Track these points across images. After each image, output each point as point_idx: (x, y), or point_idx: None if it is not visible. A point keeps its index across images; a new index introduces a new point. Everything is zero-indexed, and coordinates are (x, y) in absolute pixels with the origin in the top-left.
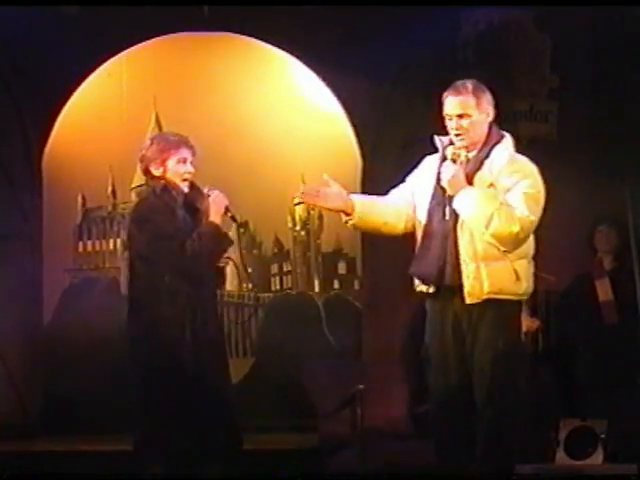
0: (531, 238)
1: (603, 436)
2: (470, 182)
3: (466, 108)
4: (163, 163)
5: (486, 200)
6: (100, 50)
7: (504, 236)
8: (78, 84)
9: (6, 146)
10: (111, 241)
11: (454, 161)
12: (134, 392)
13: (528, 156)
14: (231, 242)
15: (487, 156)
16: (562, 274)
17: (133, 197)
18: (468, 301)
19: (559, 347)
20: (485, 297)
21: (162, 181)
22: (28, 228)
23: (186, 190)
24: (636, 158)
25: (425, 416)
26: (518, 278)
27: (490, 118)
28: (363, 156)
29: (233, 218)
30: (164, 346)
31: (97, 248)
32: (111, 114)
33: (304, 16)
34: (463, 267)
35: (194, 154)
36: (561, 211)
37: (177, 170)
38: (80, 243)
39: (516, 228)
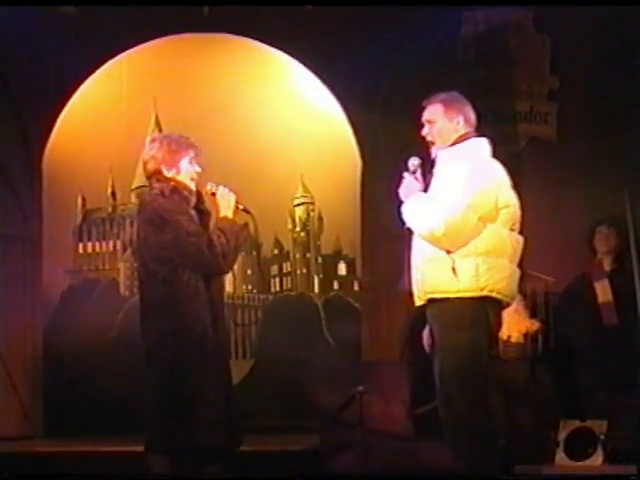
0: (485, 236)
1: (603, 437)
2: (426, 190)
3: (432, 114)
4: (176, 164)
5: (418, 205)
6: (100, 51)
7: (430, 237)
8: (78, 85)
9: (6, 146)
10: (111, 242)
11: (414, 172)
12: (151, 390)
13: (528, 157)
14: (249, 234)
15: (434, 163)
16: (562, 275)
17: (133, 198)
18: (417, 303)
19: (559, 348)
20: (425, 298)
21: (171, 183)
22: (28, 228)
23: (194, 189)
24: (636, 159)
25: (425, 416)
26: (456, 276)
27: (460, 126)
28: (362, 157)
29: (246, 210)
30: (192, 344)
31: (97, 249)
32: (111, 115)
33: (304, 16)
34: (413, 271)
35: (199, 154)
36: (561, 212)
37: (188, 170)
38: (80, 244)
39: (439, 229)
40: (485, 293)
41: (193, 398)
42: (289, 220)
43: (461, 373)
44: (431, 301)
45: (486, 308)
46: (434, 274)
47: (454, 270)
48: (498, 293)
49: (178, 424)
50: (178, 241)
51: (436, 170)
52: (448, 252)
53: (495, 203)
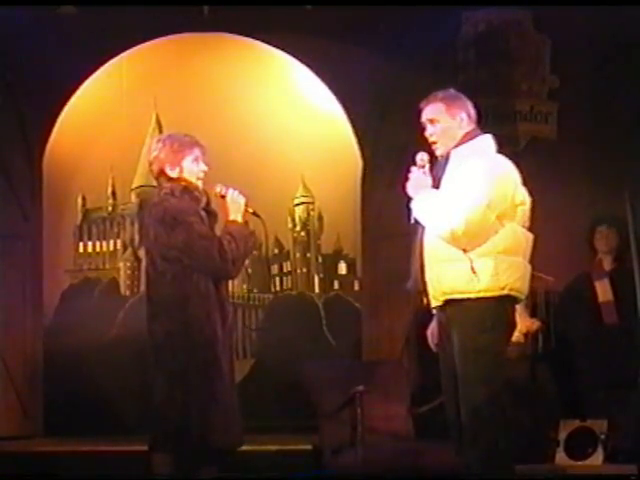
0: (502, 235)
1: (603, 437)
2: (437, 186)
3: (435, 113)
4: (179, 163)
5: (434, 201)
6: (100, 51)
7: (449, 235)
8: (78, 85)
9: (6, 146)
10: (111, 242)
11: (422, 167)
12: (159, 391)
13: (528, 156)
14: (258, 239)
15: (448, 159)
16: (562, 274)
17: (133, 198)
18: (432, 304)
19: (559, 347)
20: (443, 299)
21: (182, 183)
22: (28, 228)
23: (203, 189)
24: (636, 159)
25: (426, 416)
26: (475, 276)
27: (465, 123)
28: (363, 157)
29: (255, 214)
30: (202, 345)
31: (97, 249)
32: (111, 115)
33: (304, 16)
34: (426, 271)
35: (205, 153)
36: (561, 211)
37: (192, 169)
38: (80, 244)
39: (459, 228)
40: (505, 292)
41: (204, 399)
42: (289, 219)
43: (484, 375)
44: (448, 302)
45: (506, 307)
46: (452, 274)
47: (473, 270)
48: (517, 292)
49: (189, 425)
50: (189, 243)
51: (449, 168)
52: (464, 251)
53: (512, 200)
